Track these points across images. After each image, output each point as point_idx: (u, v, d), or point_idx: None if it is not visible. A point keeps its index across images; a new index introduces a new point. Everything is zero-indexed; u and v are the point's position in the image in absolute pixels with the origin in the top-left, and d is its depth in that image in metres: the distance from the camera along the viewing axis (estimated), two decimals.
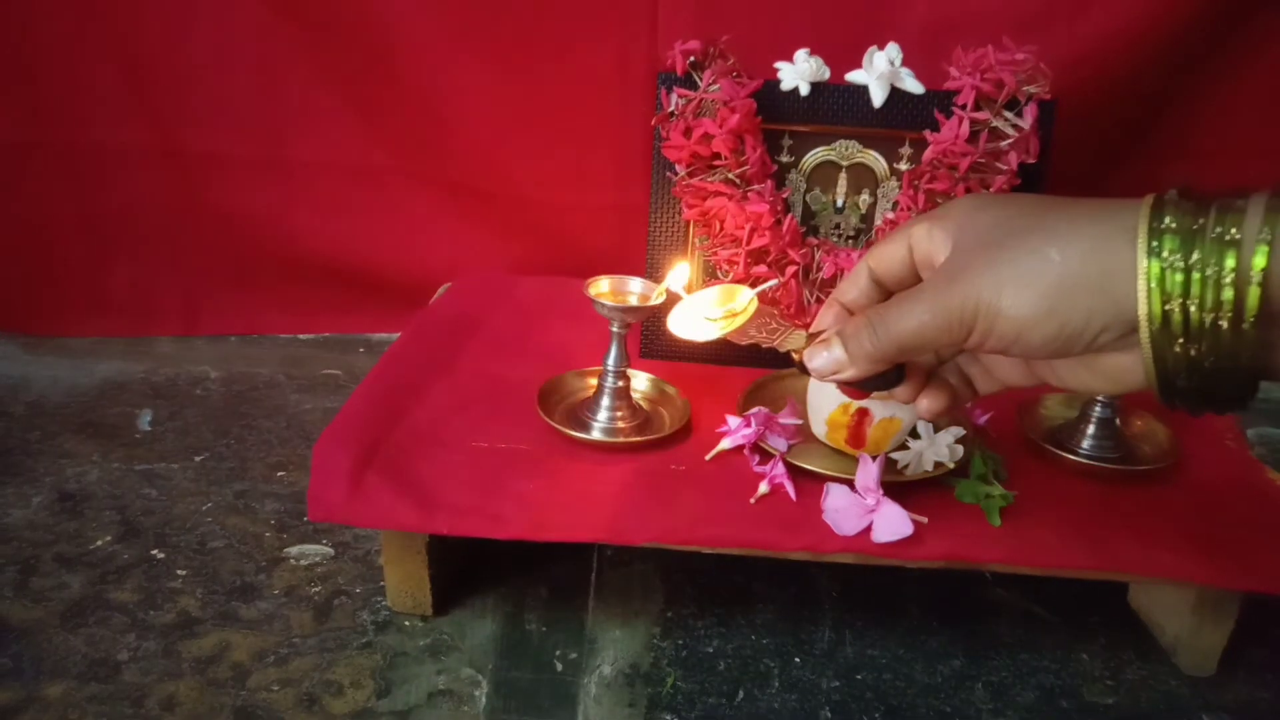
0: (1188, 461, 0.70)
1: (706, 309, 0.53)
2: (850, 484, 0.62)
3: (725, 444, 0.68)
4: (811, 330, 0.49)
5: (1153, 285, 0.37)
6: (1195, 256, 0.37)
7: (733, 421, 0.68)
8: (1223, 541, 0.62)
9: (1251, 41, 0.96)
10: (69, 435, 0.89)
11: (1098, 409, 0.70)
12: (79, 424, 0.91)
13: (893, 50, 0.74)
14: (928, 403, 0.48)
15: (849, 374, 0.46)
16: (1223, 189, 0.38)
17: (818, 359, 0.47)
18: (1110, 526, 0.63)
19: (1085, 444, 0.70)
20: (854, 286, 0.49)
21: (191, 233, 1.07)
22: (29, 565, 0.72)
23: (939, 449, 0.65)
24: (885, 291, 0.48)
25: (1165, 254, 0.37)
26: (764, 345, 0.52)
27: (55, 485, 0.82)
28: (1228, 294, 0.36)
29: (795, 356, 0.49)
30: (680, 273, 0.59)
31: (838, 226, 0.80)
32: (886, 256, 0.47)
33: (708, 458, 0.67)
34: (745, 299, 0.51)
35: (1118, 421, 0.70)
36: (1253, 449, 0.74)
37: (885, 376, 0.47)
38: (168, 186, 1.04)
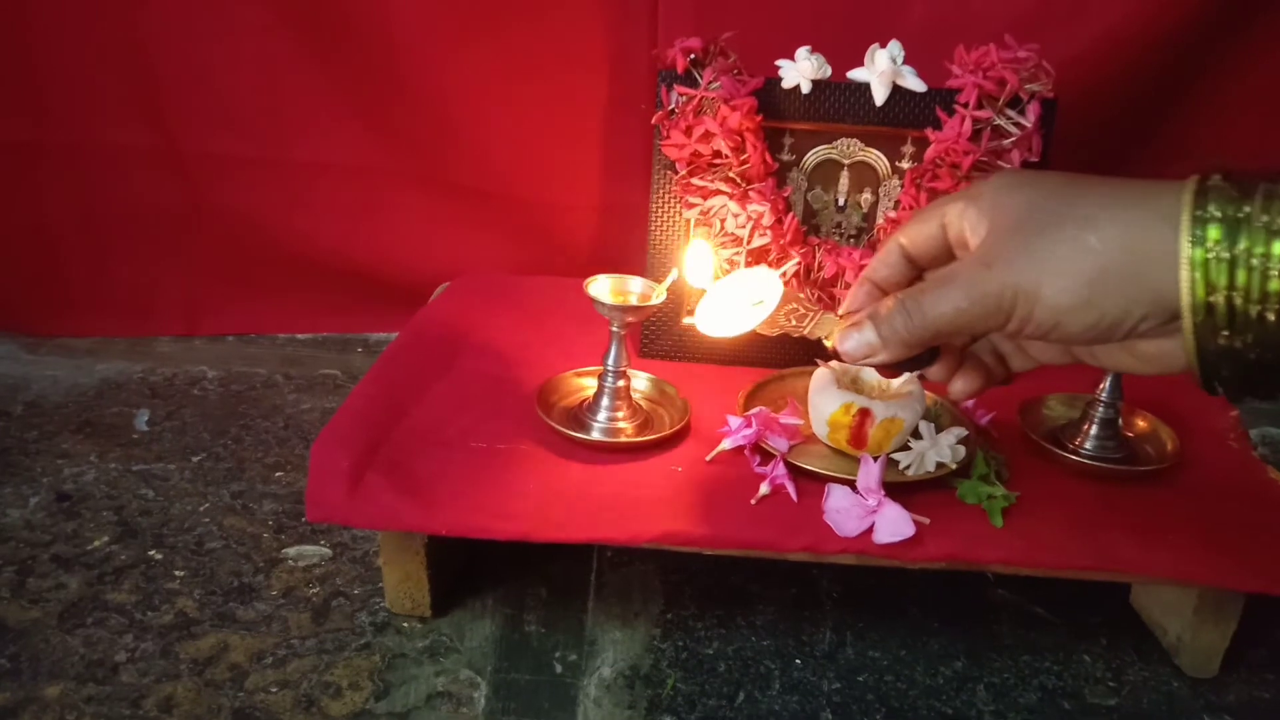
0: (1190, 462, 0.70)
1: (733, 303, 0.51)
2: (852, 484, 0.62)
3: (726, 444, 0.67)
4: (842, 312, 0.48)
5: (1196, 275, 0.36)
6: (1241, 245, 0.36)
7: (733, 422, 0.68)
8: (1225, 542, 0.62)
9: (1251, 41, 0.96)
10: (67, 435, 0.89)
11: (1100, 409, 0.69)
12: (77, 424, 0.91)
13: (894, 48, 0.74)
14: (962, 384, 0.47)
15: (881, 358, 0.45)
16: (1266, 170, 0.37)
17: (850, 342, 0.46)
18: (1112, 527, 0.63)
19: (1087, 444, 0.69)
20: (885, 264, 0.48)
21: (191, 233, 1.07)
22: (26, 566, 0.72)
23: (941, 449, 0.65)
24: (917, 269, 0.47)
25: (1209, 243, 0.36)
26: (794, 334, 0.50)
27: (53, 485, 0.82)
28: (1274, 285, 0.35)
29: (828, 343, 0.48)
30: (697, 261, 0.57)
31: (839, 225, 0.79)
32: (920, 234, 0.46)
33: (708, 458, 0.67)
34: (770, 285, 0.50)
35: (1120, 422, 0.70)
36: (1255, 449, 0.74)
37: (919, 358, 0.46)
38: (168, 187, 1.04)
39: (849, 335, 0.46)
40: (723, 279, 0.53)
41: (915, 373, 0.48)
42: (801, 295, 0.50)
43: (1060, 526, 0.62)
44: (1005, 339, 0.48)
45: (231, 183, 1.04)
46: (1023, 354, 0.48)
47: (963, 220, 0.43)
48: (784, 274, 0.49)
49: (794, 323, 0.50)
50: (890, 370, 0.47)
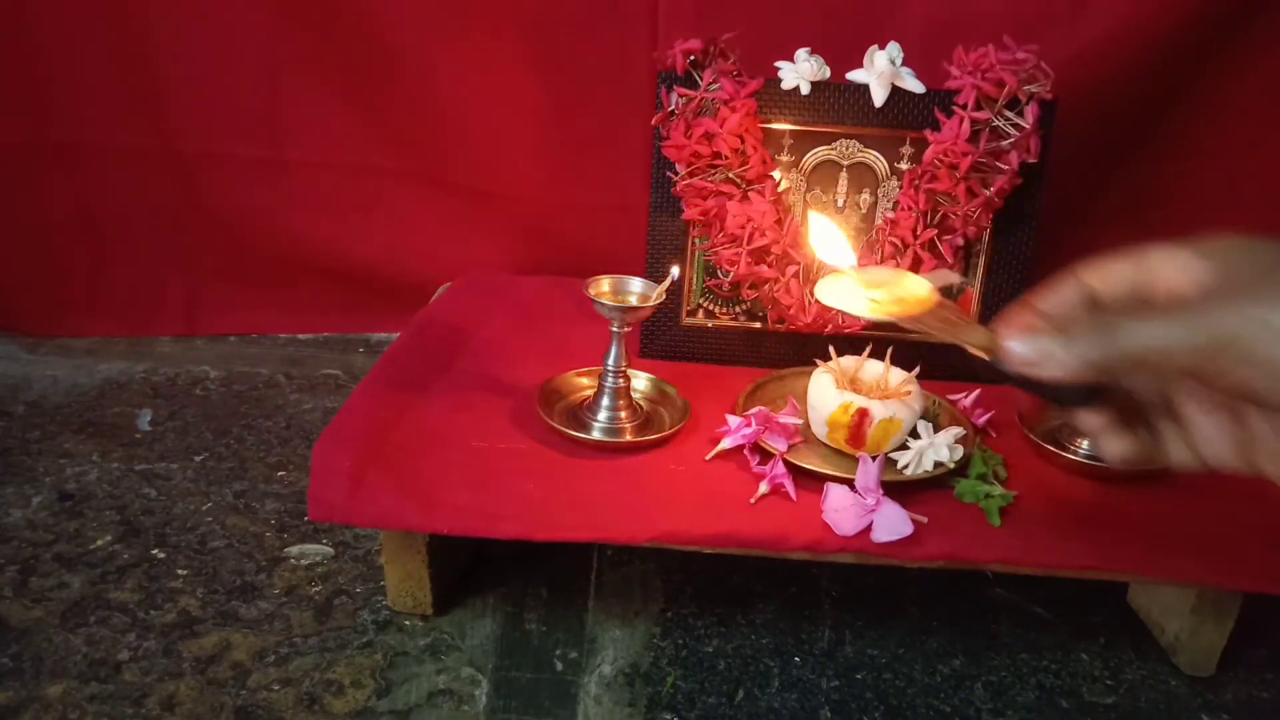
0: None
1: (869, 288, 0.49)
2: (850, 484, 0.62)
3: (725, 444, 0.68)
4: (997, 328, 0.45)
5: None
6: None
7: (733, 421, 0.68)
8: (1222, 541, 0.62)
9: (1251, 41, 0.96)
10: (69, 435, 0.89)
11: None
12: (79, 424, 0.91)
13: (893, 49, 0.74)
14: (1114, 445, 0.44)
15: (1054, 371, 0.41)
16: None
17: (1024, 343, 0.42)
18: (1110, 526, 0.63)
19: (1085, 443, 0.70)
20: (1057, 297, 0.44)
21: (192, 233, 1.07)
22: (29, 565, 0.72)
23: (939, 449, 0.65)
24: (1093, 309, 0.44)
25: None
26: (936, 336, 0.48)
27: (55, 485, 0.82)
28: None
29: (974, 352, 0.46)
30: (828, 238, 0.54)
31: None
32: (1112, 273, 0.43)
33: (708, 458, 0.67)
34: (920, 288, 0.47)
35: (982, 359, 0.69)
36: None
37: (1084, 391, 0.43)
38: (168, 187, 1.04)
39: (1025, 338, 0.42)
40: (873, 270, 0.50)
41: (1072, 408, 0.45)
42: (953, 305, 0.48)
43: (1058, 526, 0.63)
44: (1172, 423, 0.44)
45: (232, 183, 1.04)
46: (1187, 446, 0.43)
47: (1181, 267, 0.40)
48: (938, 288, 0.46)
49: (939, 324, 0.47)
50: (1043, 394, 0.44)
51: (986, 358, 0.45)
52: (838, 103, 0.75)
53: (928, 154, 0.74)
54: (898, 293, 0.48)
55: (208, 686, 0.62)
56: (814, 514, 0.62)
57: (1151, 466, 0.46)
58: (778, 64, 0.75)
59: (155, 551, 0.74)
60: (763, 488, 0.64)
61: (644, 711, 0.62)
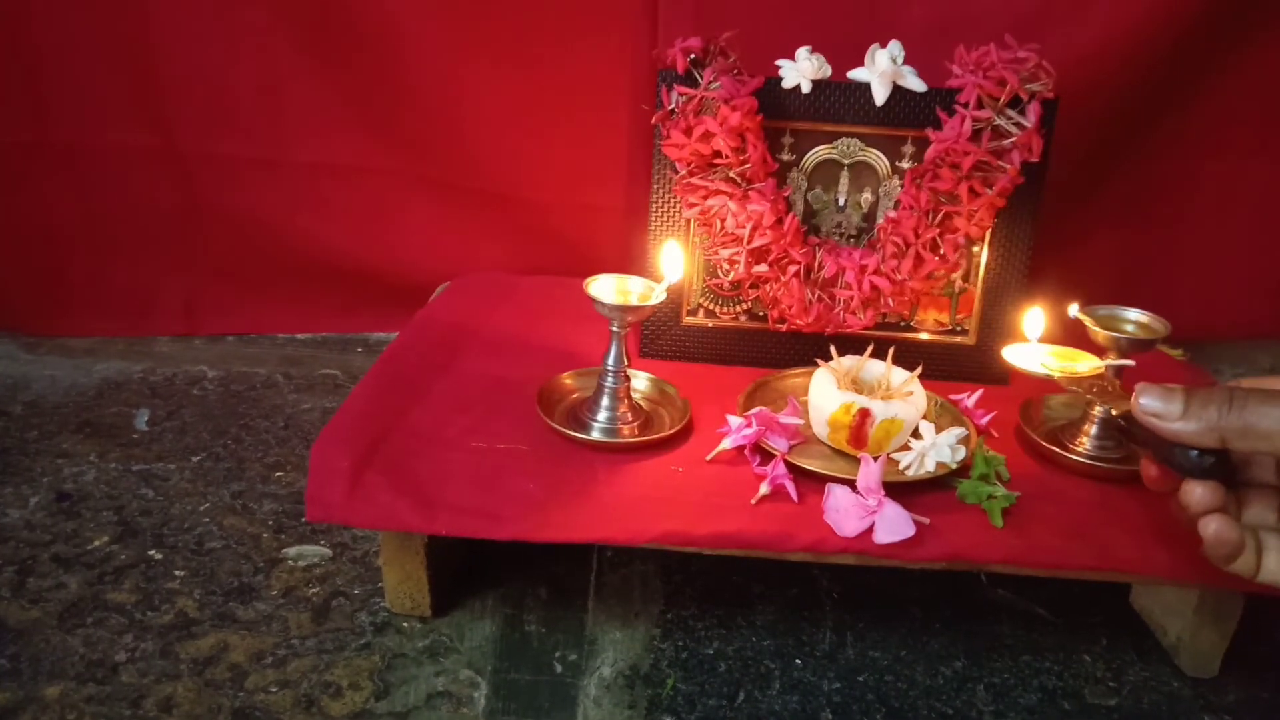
0: None
1: (1046, 357, 0.59)
2: (852, 484, 0.62)
3: (725, 444, 0.67)
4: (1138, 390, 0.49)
5: None
6: None
7: (733, 421, 0.68)
8: None
9: (1251, 41, 0.96)
10: (67, 435, 0.89)
11: (1099, 409, 0.69)
12: (77, 424, 0.91)
13: (895, 48, 0.74)
14: (1217, 527, 0.46)
15: (1175, 425, 0.44)
16: None
17: (1152, 396, 0.45)
18: (1112, 527, 0.63)
19: (1087, 444, 0.69)
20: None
21: (192, 233, 1.07)
22: (26, 566, 0.72)
23: (941, 449, 0.65)
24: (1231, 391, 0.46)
25: None
26: (1088, 397, 0.57)
27: (53, 485, 0.82)
28: None
29: (1115, 414, 0.52)
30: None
31: (839, 225, 0.79)
32: (1261, 381, 0.45)
33: (708, 458, 0.67)
34: (1088, 366, 0.57)
35: (1120, 422, 0.70)
36: None
37: (1206, 459, 0.45)
38: (169, 187, 1.04)
39: (1156, 392, 0.45)
40: (1048, 345, 0.62)
41: (1192, 474, 0.47)
42: (1116, 382, 0.55)
43: (1060, 527, 0.62)
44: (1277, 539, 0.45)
45: (232, 183, 1.04)
46: None
47: None
48: (1106, 369, 0.56)
49: (1094, 391, 0.55)
50: (1168, 457, 0.47)
51: (1123, 420, 0.50)
52: (839, 101, 0.75)
53: (929, 153, 0.73)
54: (1069, 366, 0.56)
55: (205, 688, 0.61)
56: (815, 515, 0.62)
57: (1240, 570, 0.48)
58: (778, 62, 0.75)
59: (153, 552, 0.74)
60: (764, 488, 0.63)
61: (644, 713, 0.61)
